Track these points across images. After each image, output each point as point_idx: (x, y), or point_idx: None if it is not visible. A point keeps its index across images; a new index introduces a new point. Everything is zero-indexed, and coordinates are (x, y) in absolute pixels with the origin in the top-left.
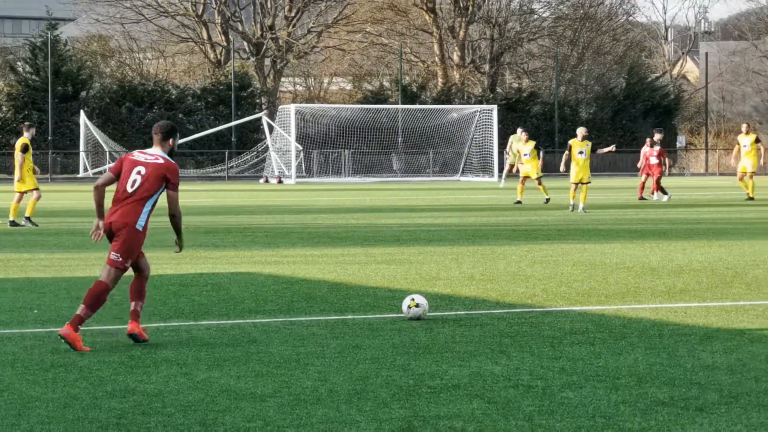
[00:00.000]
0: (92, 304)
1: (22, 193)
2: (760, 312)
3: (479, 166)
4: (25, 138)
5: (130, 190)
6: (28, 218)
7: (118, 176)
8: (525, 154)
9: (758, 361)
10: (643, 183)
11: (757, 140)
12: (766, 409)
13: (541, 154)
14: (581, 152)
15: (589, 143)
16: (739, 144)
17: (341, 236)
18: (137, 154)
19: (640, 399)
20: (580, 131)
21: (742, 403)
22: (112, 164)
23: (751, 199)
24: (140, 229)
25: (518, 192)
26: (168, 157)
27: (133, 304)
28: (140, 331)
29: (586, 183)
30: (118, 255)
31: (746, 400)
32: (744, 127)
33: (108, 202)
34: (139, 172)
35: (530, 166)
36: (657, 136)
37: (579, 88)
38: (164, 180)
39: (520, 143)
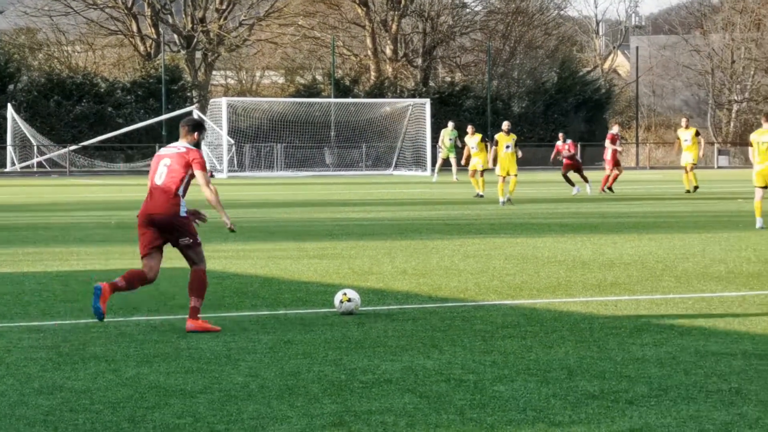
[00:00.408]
0: (197, 291)
1: None
2: (689, 305)
3: (412, 160)
4: None
5: (158, 182)
6: None
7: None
8: (472, 147)
9: (687, 354)
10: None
11: (697, 134)
12: (695, 401)
13: (489, 146)
14: (507, 146)
15: (515, 137)
16: (679, 139)
17: (273, 231)
18: (163, 149)
19: (571, 392)
20: (506, 125)
21: (671, 395)
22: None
23: (696, 188)
24: (184, 216)
25: (476, 185)
26: (192, 146)
27: (121, 283)
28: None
29: (514, 175)
30: (188, 238)
31: (675, 393)
32: (684, 121)
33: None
34: (165, 164)
35: (478, 159)
36: (615, 128)
37: (511, 82)
38: (189, 165)
39: (468, 137)
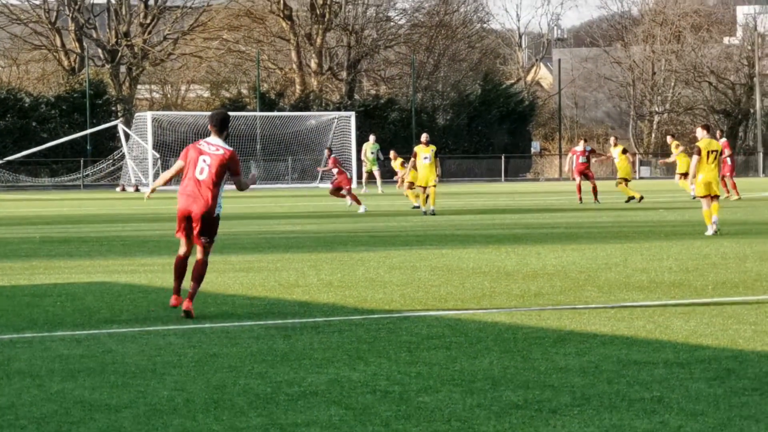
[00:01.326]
0: (199, 278)
1: None
2: (611, 314)
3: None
4: None
5: (199, 177)
6: None
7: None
8: (425, 158)
9: (610, 363)
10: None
11: (624, 151)
12: (618, 410)
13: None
14: (426, 157)
15: (434, 148)
16: (611, 155)
17: None
18: (202, 143)
19: (495, 402)
20: (424, 137)
21: (594, 404)
22: None
23: (632, 198)
24: (218, 216)
25: (415, 199)
26: (227, 146)
27: (193, 288)
28: (189, 307)
29: (433, 186)
30: (208, 239)
31: (598, 402)
32: (612, 140)
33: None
34: (204, 161)
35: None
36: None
37: (435, 94)
38: (227, 168)
39: (420, 147)
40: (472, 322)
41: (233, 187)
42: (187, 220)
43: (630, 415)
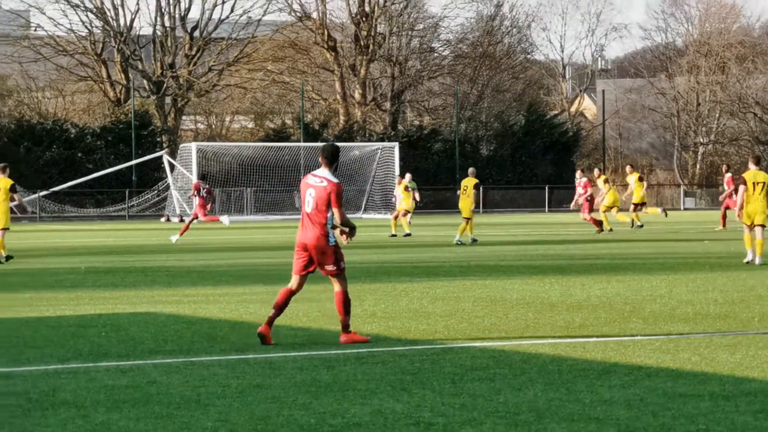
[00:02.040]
0: (343, 310)
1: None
2: (656, 346)
3: (381, 204)
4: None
5: (308, 210)
6: None
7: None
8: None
9: (655, 396)
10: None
11: (640, 179)
12: None
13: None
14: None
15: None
16: (629, 183)
17: (243, 275)
18: (309, 177)
19: None
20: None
21: None
22: None
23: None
24: (333, 244)
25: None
26: (332, 178)
27: (274, 314)
28: (268, 334)
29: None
30: (334, 268)
31: None
32: (628, 168)
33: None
34: (310, 194)
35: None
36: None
37: (479, 125)
38: (329, 199)
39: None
40: (516, 354)
41: (274, 216)
42: (305, 251)
43: None
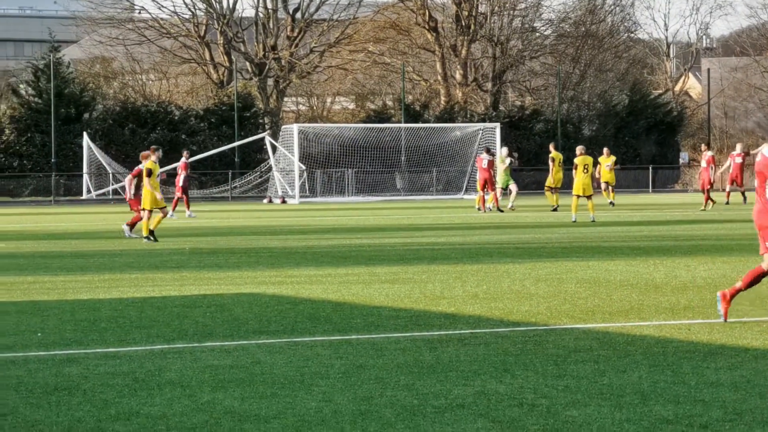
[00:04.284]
0: (749, 283)
1: (149, 211)
2: (764, 328)
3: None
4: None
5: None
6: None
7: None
8: (607, 165)
9: (762, 378)
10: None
11: (616, 162)
12: None
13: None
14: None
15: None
16: (600, 164)
17: (345, 256)
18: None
19: (645, 417)
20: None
21: (746, 419)
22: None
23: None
24: None
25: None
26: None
27: (740, 285)
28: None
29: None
30: None
31: (750, 417)
32: (605, 151)
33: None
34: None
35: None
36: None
37: (581, 105)
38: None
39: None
40: (620, 335)
41: (376, 197)
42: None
43: None
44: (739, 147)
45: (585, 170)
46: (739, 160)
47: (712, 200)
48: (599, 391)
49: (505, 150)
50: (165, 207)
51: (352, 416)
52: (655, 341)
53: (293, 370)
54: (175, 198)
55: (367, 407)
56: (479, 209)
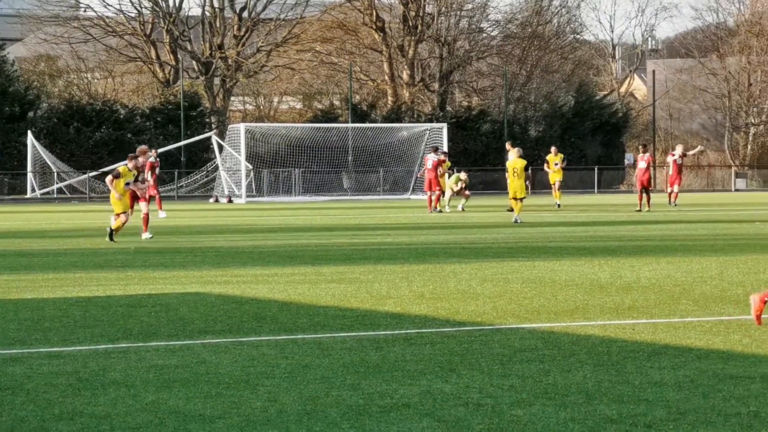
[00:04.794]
0: None
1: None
2: (707, 328)
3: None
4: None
5: None
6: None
7: None
8: (555, 164)
9: (706, 377)
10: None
11: (563, 159)
12: (714, 425)
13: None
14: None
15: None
16: (549, 162)
17: (291, 255)
18: None
19: (589, 416)
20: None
21: (689, 419)
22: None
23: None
24: None
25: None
26: None
27: None
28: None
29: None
30: None
31: (694, 417)
32: (553, 149)
33: None
34: None
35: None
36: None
37: (528, 106)
38: None
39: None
40: (565, 335)
41: (322, 197)
42: None
43: (726, 430)
44: (679, 149)
45: (514, 173)
46: (679, 161)
47: (647, 203)
48: (544, 390)
49: (463, 174)
50: (127, 212)
51: (297, 416)
52: (599, 341)
53: (238, 369)
54: (157, 197)
55: (313, 407)
56: (436, 210)
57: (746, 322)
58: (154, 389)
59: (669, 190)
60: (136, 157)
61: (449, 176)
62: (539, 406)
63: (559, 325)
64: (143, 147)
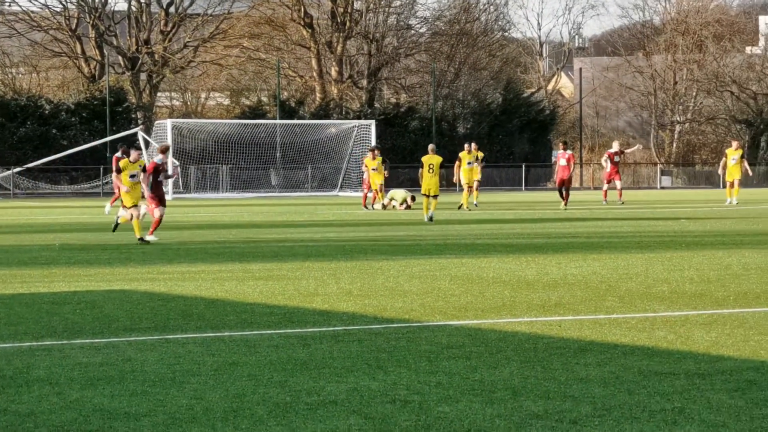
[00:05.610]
0: None
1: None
2: (632, 325)
3: (358, 181)
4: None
5: None
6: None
7: None
8: (469, 163)
9: (631, 374)
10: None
11: (476, 159)
12: (639, 421)
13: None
14: (469, 162)
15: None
16: (462, 161)
17: (218, 252)
18: None
19: (515, 412)
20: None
21: (615, 415)
22: None
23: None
24: None
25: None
26: None
27: None
28: None
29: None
30: None
31: (619, 413)
32: (473, 145)
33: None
34: None
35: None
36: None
37: (456, 103)
38: None
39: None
40: (492, 332)
41: (250, 194)
42: None
43: (651, 426)
44: (615, 145)
45: (430, 170)
46: (617, 158)
47: (565, 200)
48: (471, 386)
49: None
50: (138, 205)
51: (223, 413)
52: (526, 338)
53: (165, 367)
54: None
55: (239, 404)
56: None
57: (671, 319)
58: (79, 387)
59: (605, 187)
60: (138, 148)
61: (384, 166)
62: (466, 403)
63: (487, 322)
64: (165, 144)
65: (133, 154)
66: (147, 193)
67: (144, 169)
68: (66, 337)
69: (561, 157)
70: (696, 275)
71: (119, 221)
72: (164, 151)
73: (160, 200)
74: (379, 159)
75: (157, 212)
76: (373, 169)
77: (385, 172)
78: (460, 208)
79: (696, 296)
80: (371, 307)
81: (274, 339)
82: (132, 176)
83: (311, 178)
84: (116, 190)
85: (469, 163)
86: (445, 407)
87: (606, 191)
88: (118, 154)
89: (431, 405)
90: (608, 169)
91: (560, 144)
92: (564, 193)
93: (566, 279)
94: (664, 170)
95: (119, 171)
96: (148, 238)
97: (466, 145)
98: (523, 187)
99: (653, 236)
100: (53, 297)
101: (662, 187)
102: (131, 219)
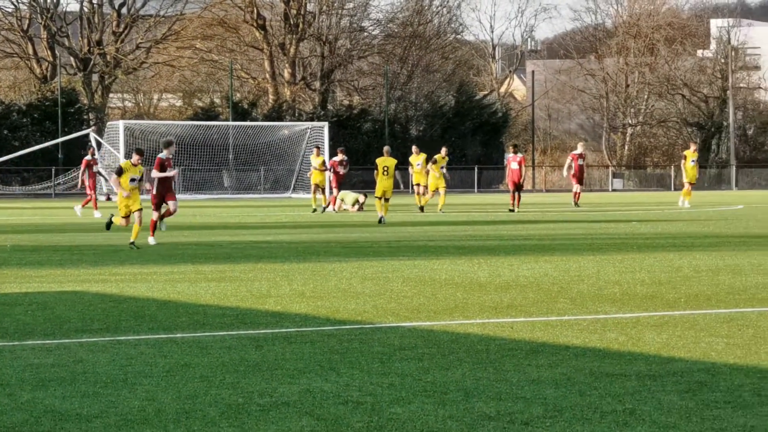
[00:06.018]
0: None
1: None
2: (584, 326)
3: (310, 183)
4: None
5: None
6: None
7: None
8: (418, 164)
9: (582, 375)
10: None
11: (427, 161)
12: (590, 422)
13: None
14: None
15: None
16: (413, 165)
17: (170, 254)
18: None
19: (467, 413)
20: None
21: (566, 416)
22: None
23: (421, 208)
24: None
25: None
26: None
27: None
28: None
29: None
30: None
31: (570, 414)
32: (414, 149)
33: None
34: None
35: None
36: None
37: (409, 105)
38: None
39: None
40: (444, 334)
41: (203, 196)
42: None
43: (602, 427)
44: (580, 147)
45: (385, 172)
46: (580, 161)
47: (516, 203)
48: (423, 388)
49: (362, 197)
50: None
51: (175, 415)
52: (478, 339)
53: (116, 368)
54: (93, 197)
55: (192, 406)
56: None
57: (622, 320)
58: (30, 388)
59: (575, 189)
60: (141, 152)
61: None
62: (418, 404)
63: (439, 324)
64: (169, 138)
65: (135, 156)
66: (125, 194)
67: (141, 179)
68: (17, 338)
69: (512, 161)
70: (647, 277)
71: (113, 221)
72: (168, 145)
73: (167, 195)
74: (322, 158)
75: (171, 205)
76: (315, 168)
77: (343, 170)
78: (422, 209)
79: (647, 298)
80: (324, 309)
81: (226, 340)
82: (132, 180)
83: (264, 180)
84: (90, 192)
85: (442, 168)
86: (398, 408)
87: (577, 193)
88: (88, 157)
89: (384, 406)
90: (573, 171)
91: (510, 147)
92: (516, 195)
93: (518, 281)
94: (616, 173)
95: (119, 173)
96: (149, 240)
97: (414, 148)
98: (476, 189)
99: (605, 238)
100: (4, 298)
101: (614, 190)
102: (127, 224)
